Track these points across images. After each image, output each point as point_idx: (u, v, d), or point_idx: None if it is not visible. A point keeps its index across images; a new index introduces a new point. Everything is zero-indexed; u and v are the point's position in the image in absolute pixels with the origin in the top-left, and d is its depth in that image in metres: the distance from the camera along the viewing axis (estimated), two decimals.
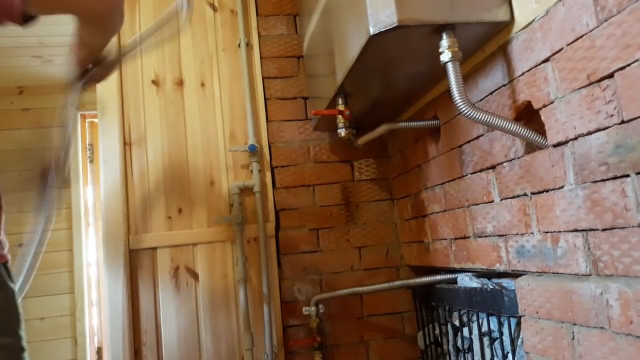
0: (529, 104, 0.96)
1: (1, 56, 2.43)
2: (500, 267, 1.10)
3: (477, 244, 1.19)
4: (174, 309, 1.59)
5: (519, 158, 1.01)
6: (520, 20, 0.96)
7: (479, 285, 1.22)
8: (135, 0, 1.74)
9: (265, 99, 1.75)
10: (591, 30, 0.78)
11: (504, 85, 1.03)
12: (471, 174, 1.20)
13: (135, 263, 1.59)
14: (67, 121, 1.06)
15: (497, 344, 1.16)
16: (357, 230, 1.73)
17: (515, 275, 1.06)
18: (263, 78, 1.76)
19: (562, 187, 0.88)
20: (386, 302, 1.69)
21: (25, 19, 0.78)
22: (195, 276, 1.61)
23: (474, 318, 1.25)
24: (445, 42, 0.98)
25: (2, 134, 2.77)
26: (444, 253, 1.38)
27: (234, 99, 1.74)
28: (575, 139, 0.84)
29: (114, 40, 0.96)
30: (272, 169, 1.72)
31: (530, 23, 0.93)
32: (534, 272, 0.98)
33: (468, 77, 1.15)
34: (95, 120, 2.84)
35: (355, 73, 1.18)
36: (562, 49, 0.85)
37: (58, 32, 2.26)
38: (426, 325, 1.57)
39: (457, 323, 1.36)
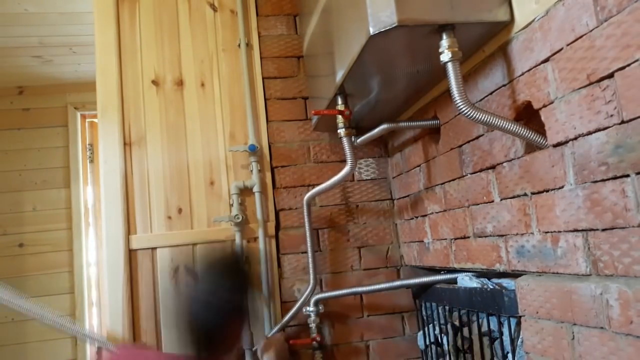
0: (529, 104, 0.96)
1: (1, 56, 2.43)
2: (500, 267, 1.10)
3: (477, 244, 1.19)
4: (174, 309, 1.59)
5: (518, 158, 1.01)
6: (520, 20, 0.96)
7: (479, 285, 1.22)
8: (136, 1, 1.75)
9: (265, 99, 1.75)
10: (591, 30, 0.78)
11: (504, 85, 1.03)
12: (471, 174, 1.20)
13: (135, 263, 1.59)
14: None
15: (497, 344, 1.16)
16: (357, 230, 1.73)
17: (515, 275, 1.06)
18: (263, 78, 1.76)
19: (562, 187, 0.88)
20: (386, 302, 1.69)
21: None
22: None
23: (474, 318, 1.25)
24: (445, 42, 0.98)
25: (2, 134, 2.77)
26: (444, 253, 1.38)
27: (234, 99, 1.74)
28: (575, 139, 0.84)
29: None
30: (272, 169, 1.72)
31: (530, 23, 0.93)
32: (534, 272, 0.98)
33: (468, 77, 1.15)
34: (95, 120, 2.84)
35: (355, 73, 1.18)
36: (562, 49, 0.85)
37: (58, 32, 2.26)
38: (426, 325, 1.57)
39: (457, 323, 1.36)
